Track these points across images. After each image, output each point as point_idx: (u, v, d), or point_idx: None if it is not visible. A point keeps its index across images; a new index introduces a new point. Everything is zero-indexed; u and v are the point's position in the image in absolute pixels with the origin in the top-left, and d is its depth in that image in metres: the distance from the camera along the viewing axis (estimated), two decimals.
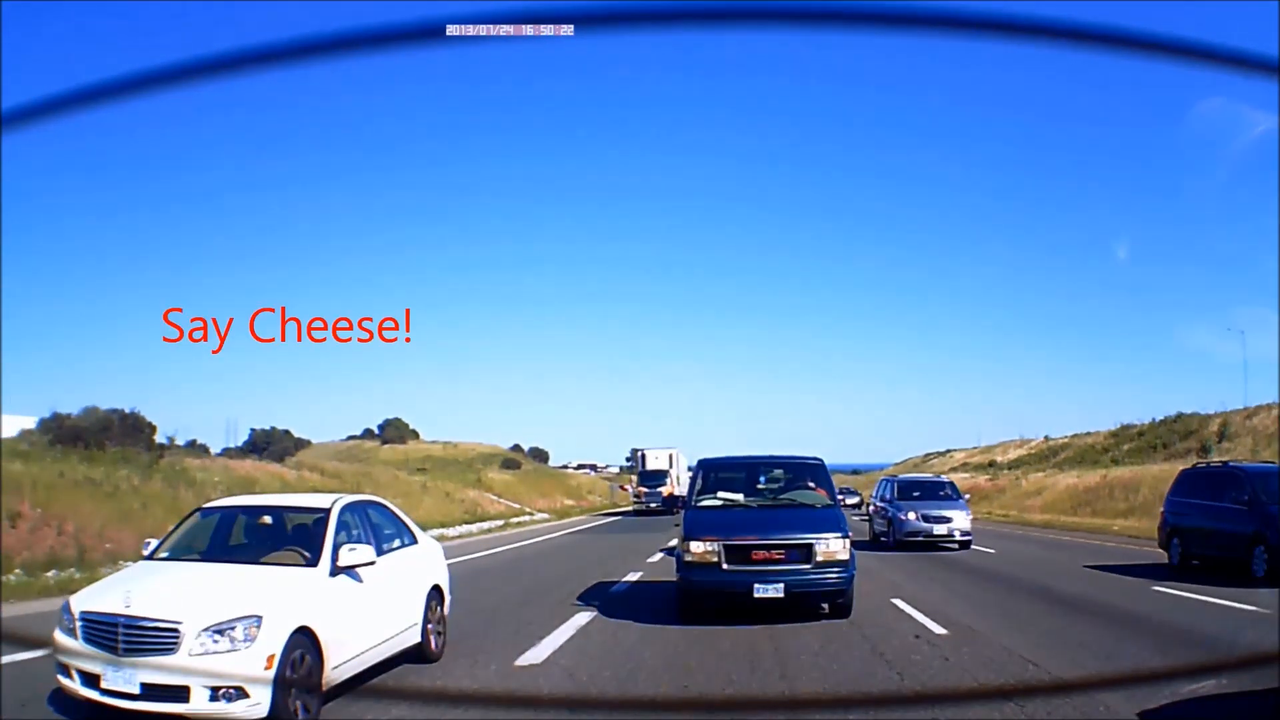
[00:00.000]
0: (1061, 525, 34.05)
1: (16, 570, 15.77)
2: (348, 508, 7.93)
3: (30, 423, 27.32)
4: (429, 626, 8.50)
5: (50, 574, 15.70)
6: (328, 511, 7.54)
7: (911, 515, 22.27)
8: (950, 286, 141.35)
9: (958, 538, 22.00)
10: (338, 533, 7.37)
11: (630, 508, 50.21)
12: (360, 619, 7.19)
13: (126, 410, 30.06)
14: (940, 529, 21.95)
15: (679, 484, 45.54)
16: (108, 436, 27.05)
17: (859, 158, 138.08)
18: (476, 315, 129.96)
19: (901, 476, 29.23)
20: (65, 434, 26.17)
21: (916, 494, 23.58)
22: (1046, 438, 64.67)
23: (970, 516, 23.00)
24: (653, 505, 46.32)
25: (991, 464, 64.10)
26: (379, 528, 8.29)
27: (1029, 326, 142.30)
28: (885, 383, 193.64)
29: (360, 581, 7.25)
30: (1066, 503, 40.69)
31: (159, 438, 29.14)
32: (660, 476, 48.57)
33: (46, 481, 19.93)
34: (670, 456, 49.95)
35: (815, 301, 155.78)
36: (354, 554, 7.15)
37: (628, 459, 67.19)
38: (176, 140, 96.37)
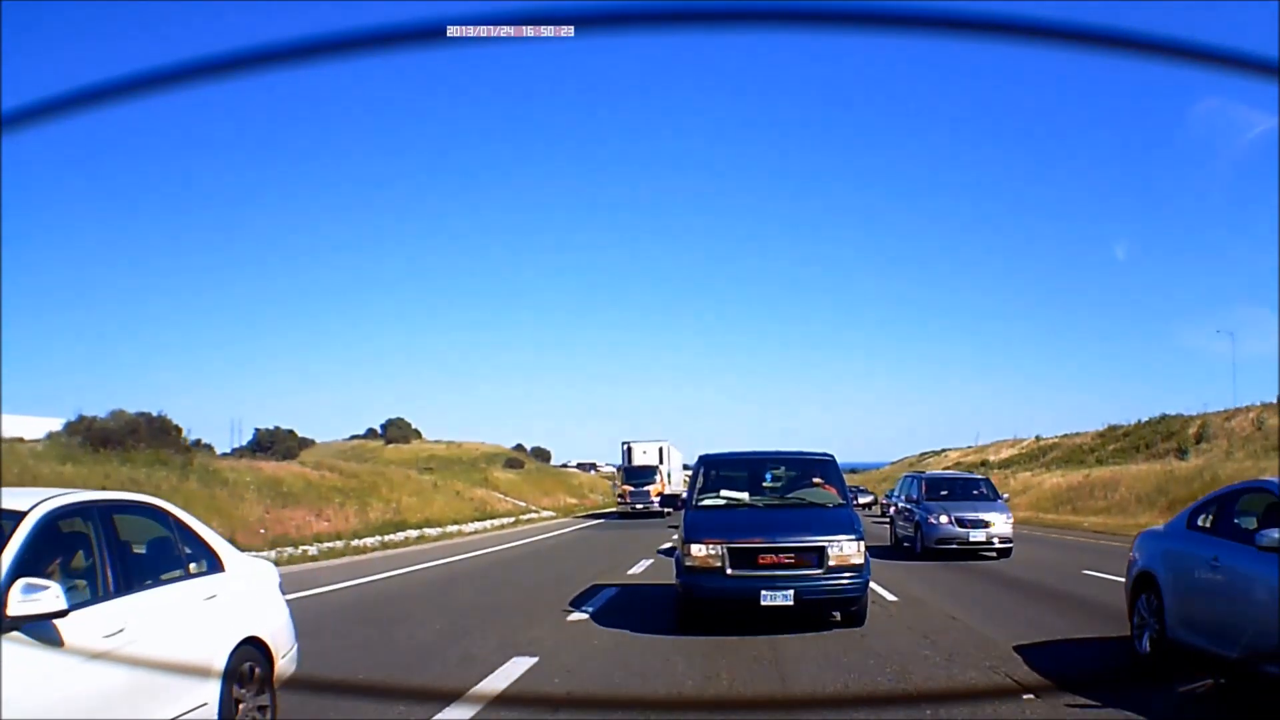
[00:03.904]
0: (1037, 522, 33.85)
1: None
2: (65, 513, 4.65)
3: (57, 424, 27.22)
4: (240, 705, 5.20)
5: None
6: (19, 519, 4.34)
7: (943, 519, 18.25)
8: (951, 286, 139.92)
9: (997, 545, 18.12)
10: (20, 559, 4.18)
11: (615, 509, 43.26)
12: (49, 710, 4.02)
13: (154, 413, 30.14)
14: (977, 535, 17.97)
15: (670, 482, 41.73)
16: (135, 439, 27.03)
17: (858, 158, 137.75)
18: (476, 315, 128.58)
19: (929, 473, 24.97)
20: (94, 436, 26.13)
21: (946, 493, 19.54)
22: (1038, 437, 64.38)
23: (1010, 519, 18.82)
24: (639, 506, 39.86)
25: (984, 463, 63.66)
26: (146, 547, 5.33)
27: (1029, 327, 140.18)
28: (884, 382, 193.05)
29: (59, 644, 4.11)
30: (1049, 501, 40.52)
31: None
32: (648, 473, 41.80)
33: (94, 483, 20.18)
34: (660, 451, 43.87)
35: (814, 301, 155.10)
36: (34, 601, 3.94)
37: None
38: (174, 140, 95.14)
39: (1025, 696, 6.61)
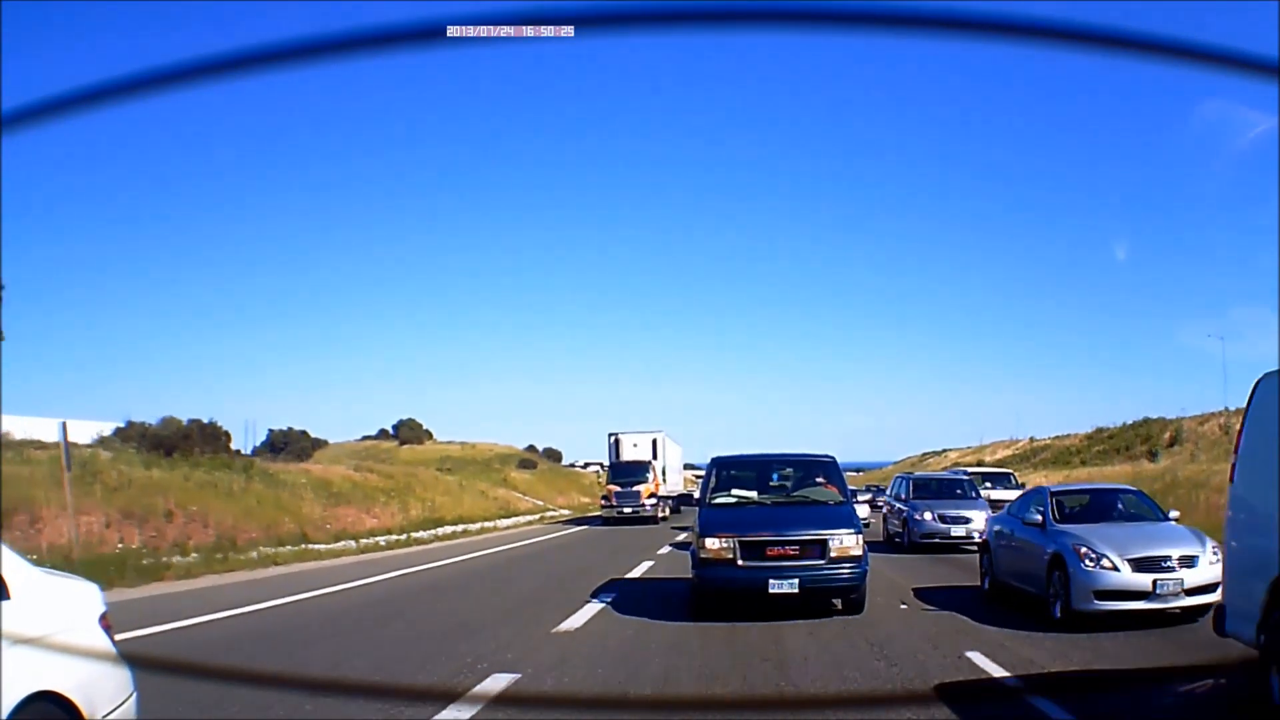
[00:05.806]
0: None
1: (196, 551, 17.08)
2: None
3: (107, 428, 27.32)
4: None
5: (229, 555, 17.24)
6: None
7: (928, 515, 18.72)
8: (956, 287, 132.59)
9: (977, 540, 18.18)
10: None
11: (599, 513, 32.76)
12: None
13: (204, 420, 30.41)
14: (959, 530, 18.29)
15: (665, 480, 33.81)
16: (188, 444, 27.20)
17: (859, 158, 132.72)
18: (478, 315, 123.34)
19: (917, 474, 25.26)
20: (149, 441, 26.28)
21: (932, 492, 19.98)
22: (1031, 439, 63.51)
23: (990, 516, 19.72)
24: (626, 510, 30.28)
25: (979, 463, 62.75)
26: None
27: (1030, 328, 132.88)
28: (889, 382, 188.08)
29: None
30: None
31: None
32: (638, 470, 32.04)
33: (176, 485, 20.66)
34: (654, 443, 35.04)
35: (820, 303, 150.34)
36: None
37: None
38: (176, 140, 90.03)
39: (901, 606, 10.60)
